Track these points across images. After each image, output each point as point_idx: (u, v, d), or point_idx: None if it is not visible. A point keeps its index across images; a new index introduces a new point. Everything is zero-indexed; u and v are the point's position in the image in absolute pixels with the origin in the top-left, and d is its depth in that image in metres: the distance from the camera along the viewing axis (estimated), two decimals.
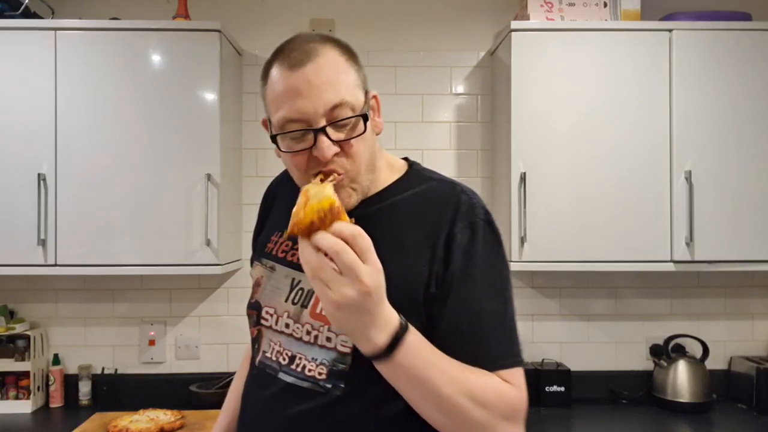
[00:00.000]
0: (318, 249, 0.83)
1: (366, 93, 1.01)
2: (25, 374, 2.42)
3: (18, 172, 2.24)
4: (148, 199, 2.26)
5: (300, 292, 1.04)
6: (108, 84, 2.27)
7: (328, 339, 0.99)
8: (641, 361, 2.65)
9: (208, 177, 2.26)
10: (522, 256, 2.28)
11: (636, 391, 2.56)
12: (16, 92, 2.26)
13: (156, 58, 2.29)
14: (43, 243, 2.23)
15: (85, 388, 2.52)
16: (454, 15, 2.69)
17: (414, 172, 1.11)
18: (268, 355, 1.07)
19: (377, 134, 1.05)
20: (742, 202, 2.29)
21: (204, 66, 2.28)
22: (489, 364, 0.94)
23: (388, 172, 1.09)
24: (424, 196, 1.05)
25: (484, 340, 0.96)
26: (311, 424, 0.99)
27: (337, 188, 0.94)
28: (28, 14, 2.39)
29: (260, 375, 1.08)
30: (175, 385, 2.52)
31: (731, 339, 2.66)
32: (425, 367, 0.88)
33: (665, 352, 2.53)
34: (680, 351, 2.55)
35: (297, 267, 1.05)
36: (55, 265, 2.25)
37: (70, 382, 2.54)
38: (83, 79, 2.26)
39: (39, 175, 2.23)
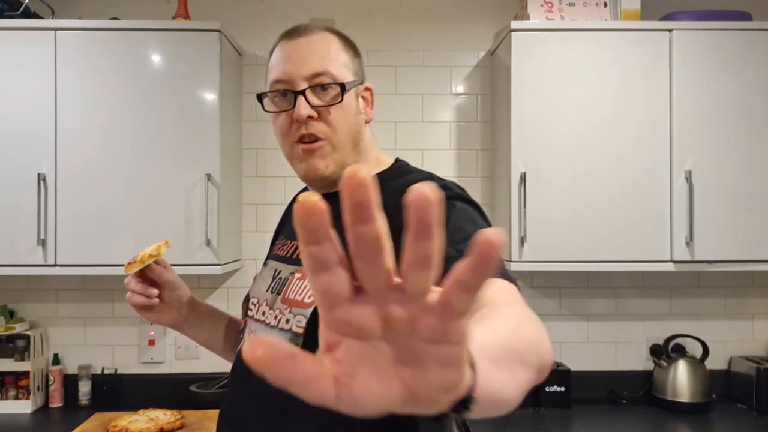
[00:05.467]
0: None
1: (359, 82, 1.07)
2: (25, 374, 2.42)
3: (18, 172, 2.24)
4: (147, 199, 2.26)
5: (278, 281, 1.07)
6: (108, 84, 2.26)
7: (287, 321, 1.00)
8: (641, 361, 2.65)
9: (208, 177, 2.26)
10: (522, 256, 2.28)
11: (636, 391, 2.56)
12: (16, 92, 2.26)
13: (156, 58, 2.29)
14: (42, 243, 2.23)
15: (84, 388, 2.51)
16: (454, 15, 2.68)
17: (398, 166, 1.14)
18: None
19: (366, 122, 1.10)
20: (742, 202, 2.29)
21: (204, 66, 2.28)
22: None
23: (376, 166, 1.14)
24: (404, 183, 1.09)
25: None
26: (274, 400, 0.97)
27: (317, 156, 1.02)
28: (28, 14, 2.39)
29: (241, 362, 1.10)
30: (174, 385, 2.52)
31: (731, 339, 2.66)
32: (500, 371, 0.56)
33: (665, 352, 2.53)
34: (680, 351, 2.55)
35: (281, 259, 1.11)
36: (55, 265, 2.25)
37: (70, 382, 2.54)
38: (83, 79, 2.26)
39: (39, 175, 2.23)
